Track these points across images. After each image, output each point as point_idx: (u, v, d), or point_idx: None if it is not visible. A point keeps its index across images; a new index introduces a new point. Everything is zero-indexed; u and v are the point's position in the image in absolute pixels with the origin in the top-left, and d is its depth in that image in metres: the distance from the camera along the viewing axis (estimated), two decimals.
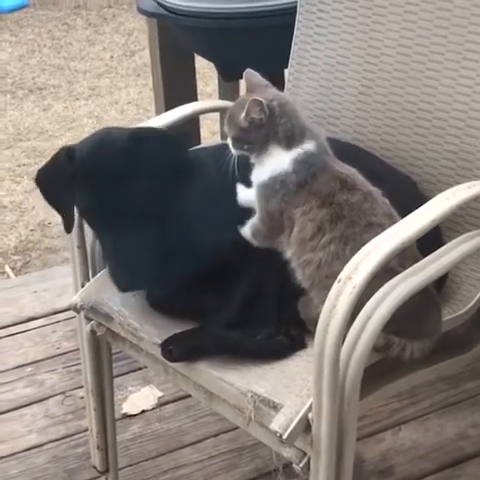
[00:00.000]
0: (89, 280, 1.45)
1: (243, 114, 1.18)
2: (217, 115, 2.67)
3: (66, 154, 1.25)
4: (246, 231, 1.26)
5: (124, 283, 1.23)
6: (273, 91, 1.23)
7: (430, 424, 1.80)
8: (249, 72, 1.25)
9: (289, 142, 1.19)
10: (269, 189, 1.20)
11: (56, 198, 1.27)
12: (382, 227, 1.13)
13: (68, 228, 1.29)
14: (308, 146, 1.20)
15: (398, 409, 1.83)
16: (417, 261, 1.13)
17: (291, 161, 1.19)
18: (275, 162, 1.19)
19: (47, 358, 2.06)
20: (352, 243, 1.14)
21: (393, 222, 1.14)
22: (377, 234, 1.09)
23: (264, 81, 1.25)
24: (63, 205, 1.27)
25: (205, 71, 3.71)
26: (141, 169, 1.21)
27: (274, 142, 1.19)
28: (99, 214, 1.23)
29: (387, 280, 1.08)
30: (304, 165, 1.19)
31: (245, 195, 1.28)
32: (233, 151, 1.22)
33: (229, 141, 1.22)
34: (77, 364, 1.97)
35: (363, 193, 1.19)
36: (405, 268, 1.11)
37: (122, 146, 1.22)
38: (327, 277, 1.08)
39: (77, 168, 1.23)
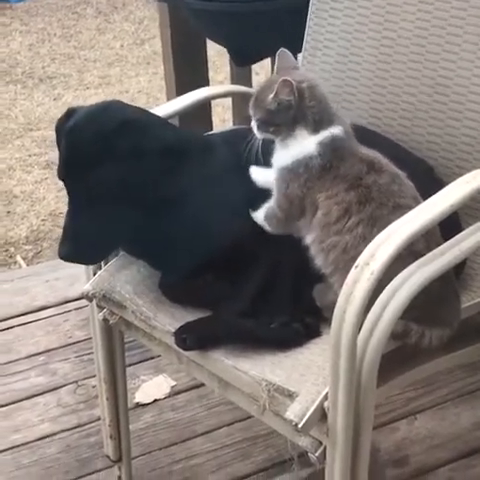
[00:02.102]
0: (101, 268, 1.43)
1: (271, 95, 1.16)
2: (228, 103, 2.65)
3: (67, 114, 1.26)
4: (259, 215, 1.24)
5: (62, 251, 1.23)
6: (302, 72, 1.21)
7: (446, 413, 1.79)
8: (283, 51, 1.24)
9: (317, 126, 1.17)
10: (291, 173, 1.18)
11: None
12: (410, 209, 1.11)
13: None
14: (335, 130, 1.18)
15: (414, 398, 1.82)
16: (440, 245, 1.11)
17: (317, 144, 1.17)
18: (300, 146, 1.18)
19: (59, 347, 2.06)
20: (380, 225, 1.12)
21: (419, 205, 1.12)
22: None
23: (295, 62, 1.24)
24: None
25: (216, 59, 3.68)
26: (122, 153, 1.20)
27: (301, 125, 1.17)
28: (69, 181, 1.23)
29: (412, 263, 1.06)
30: (329, 148, 1.17)
31: (259, 174, 1.26)
32: (258, 134, 1.20)
33: (254, 124, 1.20)
34: (89, 353, 1.96)
35: (391, 175, 1.17)
36: (431, 251, 1.09)
37: (112, 126, 1.21)
38: (353, 260, 1.05)
39: (66, 132, 1.23)
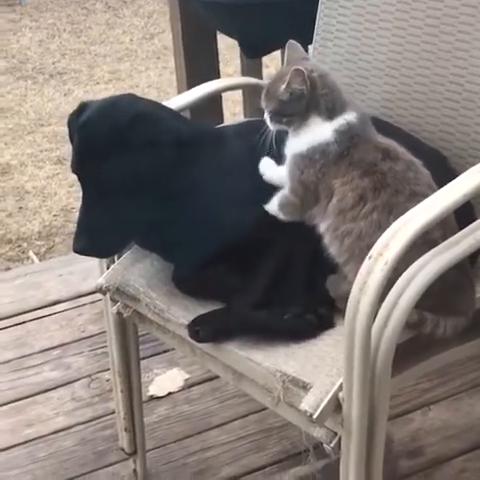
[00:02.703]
0: (114, 262, 1.44)
1: (284, 86, 1.17)
2: (238, 97, 2.65)
3: (78, 109, 1.26)
4: (273, 204, 1.24)
5: (77, 245, 1.24)
6: (312, 63, 1.22)
7: (460, 404, 1.78)
8: (291, 43, 1.25)
9: (330, 113, 1.18)
10: (306, 159, 1.18)
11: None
12: (425, 197, 1.10)
13: None
14: (350, 117, 1.18)
15: (428, 389, 1.81)
16: (455, 234, 1.11)
17: (333, 131, 1.17)
18: (315, 133, 1.18)
19: (73, 341, 2.06)
20: (396, 212, 1.11)
21: (435, 193, 1.12)
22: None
23: (304, 53, 1.25)
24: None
25: (226, 52, 3.68)
26: (135, 145, 1.20)
27: (314, 113, 1.18)
28: (82, 175, 1.24)
29: (428, 252, 1.06)
30: (346, 135, 1.17)
31: (270, 171, 1.26)
32: (271, 126, 1.21)
33: (267, 116, 1.21)
34: (103, 347, 1.97)
35: (406, 162, 1.17)
36: (446, 239, 1.09)
37: (124, 119, 1.22)
38: (368, 248, 1.05)
39: (79, 126, 1.23)
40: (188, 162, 1.23)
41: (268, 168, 1.27)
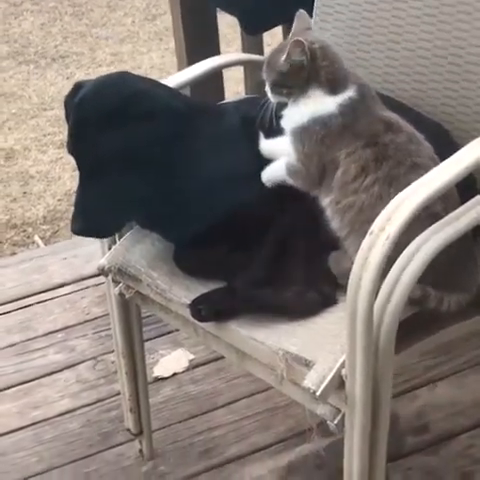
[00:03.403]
0: (116, 243, 1.43)
1: (284, 57, 1.17)
2: (240, 75, 2.63)
3: (74, 89, 1.26)
4: (277, 170, 1.22)
5: (75, 226, 1.24)
6: (314, 34, 1.21)
7: (465, 380, 1.78)
8: (301, 13, 1.24)
9: (332, 86, 1.18)
10: (307, 131, 1.18)
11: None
12: (426, 169, 1.10)
13: None
14: (352, 93, 1.18)
15: (433, 366, 1.81)
16: (457, 207, 1.10)
17: (337, 105, 1.17)
18: (316, 104, 1.18)
19: (77, 324, 2.06)
20: (396, 184, 1.11)
21: (436, 165, 1.11)
22: (421, 176, 1.06)
23: (310, 24, 1.25)
24: None
25: (227, 32, 3.65)
26: (131, 122, 1.21)
27: (315, 85, 1.18)
28: (78, 155, 1.24)
29: (430, 225, 1.05)
30: (348, 108, 1.17)
31: (267, 145, 1.25)
32: (271, 98, 1.21)
33: (267, 88, 1.21)
34: (107, 329, 1.97)
35: (408, 134, 1.17)
36: (448, 213, 1.08)
37: (120, 96, 1.22)
38: (369, 221, 1.04)
39: (74, 105, 1.23)
40: (185, 138, 1.23)
41: (265, 143, 1.26)
